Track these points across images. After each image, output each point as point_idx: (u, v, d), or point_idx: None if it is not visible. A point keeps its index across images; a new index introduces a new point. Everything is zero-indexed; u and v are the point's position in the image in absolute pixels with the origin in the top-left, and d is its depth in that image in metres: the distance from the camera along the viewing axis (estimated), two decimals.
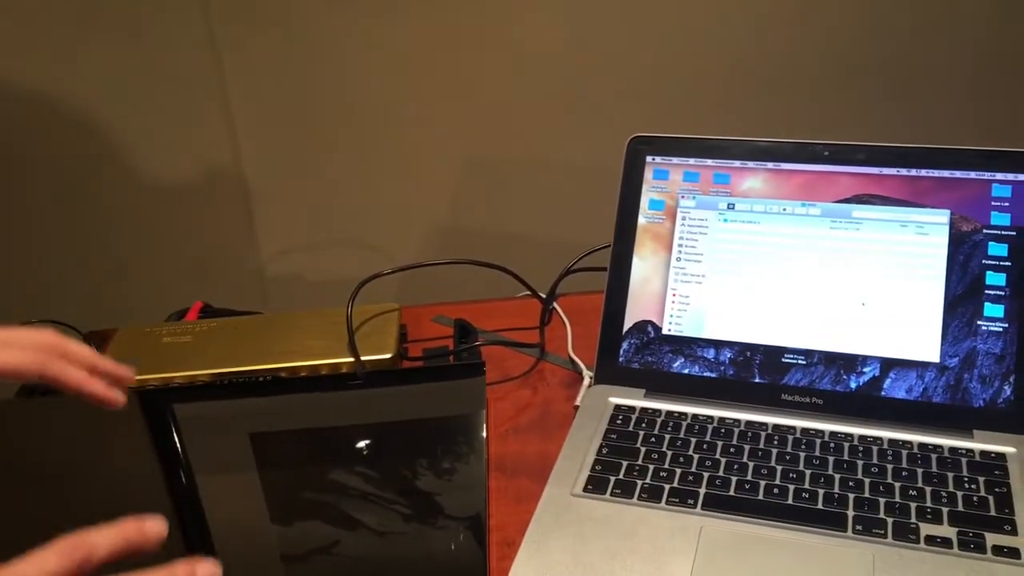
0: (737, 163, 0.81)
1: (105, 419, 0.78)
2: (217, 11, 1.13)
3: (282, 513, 0.68)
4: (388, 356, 0.83)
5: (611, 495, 0.68)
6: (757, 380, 0.77)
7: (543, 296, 0.92)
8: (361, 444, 0.74)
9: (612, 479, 0.70)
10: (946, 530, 0.63)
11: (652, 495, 0.68)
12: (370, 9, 1.14)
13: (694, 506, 0.67)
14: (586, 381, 0.83)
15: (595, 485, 0.69)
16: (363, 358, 0.83)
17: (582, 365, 0.85)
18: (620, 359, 0.80)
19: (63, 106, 1.17)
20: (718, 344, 0.79)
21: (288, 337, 0.86)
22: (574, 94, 1.20)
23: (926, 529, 0.63)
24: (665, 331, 0.80)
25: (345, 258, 1.33)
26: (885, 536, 0.63)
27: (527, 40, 1.16)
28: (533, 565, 0.63)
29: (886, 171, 0.77)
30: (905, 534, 0.63)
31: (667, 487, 0.69)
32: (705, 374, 0.78)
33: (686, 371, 0.79)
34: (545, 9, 1.14)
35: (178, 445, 0.77)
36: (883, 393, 0.74)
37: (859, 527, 0.64)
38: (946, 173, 0.76)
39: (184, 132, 1.20)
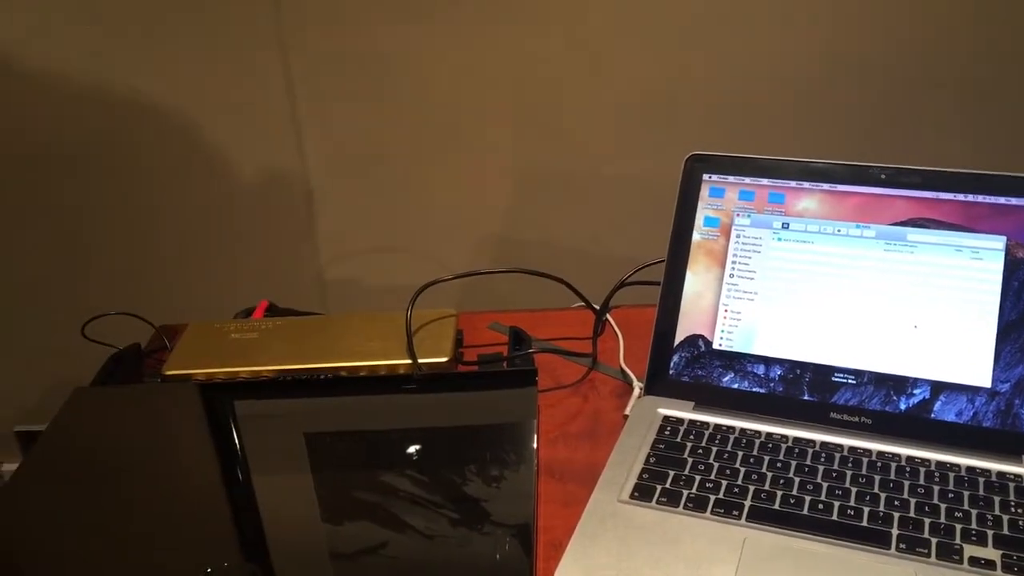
0: (793, 183, 0.82)
1: (172, 410, 0.82)
2: (288, 16, 1.17)
3: (333, 512, 0.71)
4: (444, 360, 0.86)
5: (657, 503, 0.70)
6: (806, 398, 0.78)
7: (596, 307, 0.94)
8: (413, 447, 0.77)
9: (658, 487, 0.71)
10: (990, 552, 0.63)
11: (697, 505, 0.69)
12: (436, 20, 1.17)
13: (738, 517, 0.68)
14: (636, 391, 0.84)
15: (641, 492, 0.71)
16: (420, 360, 0.85)
17: (633, 376, 0.87)
18: (670, 372, 0.82)
19: (140, 108, 1.21)
20: (768, 361, 0.80)
21: (348, 337, 0.90)
22: (635, 110, 1.22)
23: (970, 550, 0.64)
24: (716, 346, 0.81)
25: (403, 264, 1.36)
26: (928, 555, 0.64)
27: (590, 56, 1.18)
28: (578, 567, 0.65)
29: (942, 196, 0.78)
30: (948, 554, 0.63)
31: (712, 497, 0.70)
32: (754, 389, 0.80)
33: (735, 386, 0.80)
34: (609, 26, 1.16)
35: (236, 439, 0.80)
36: (932, 416, 0.75)
37: (903, 545, 0.65)
38: (1002, 200, 0.76)
39: (253, 138, 1.24)
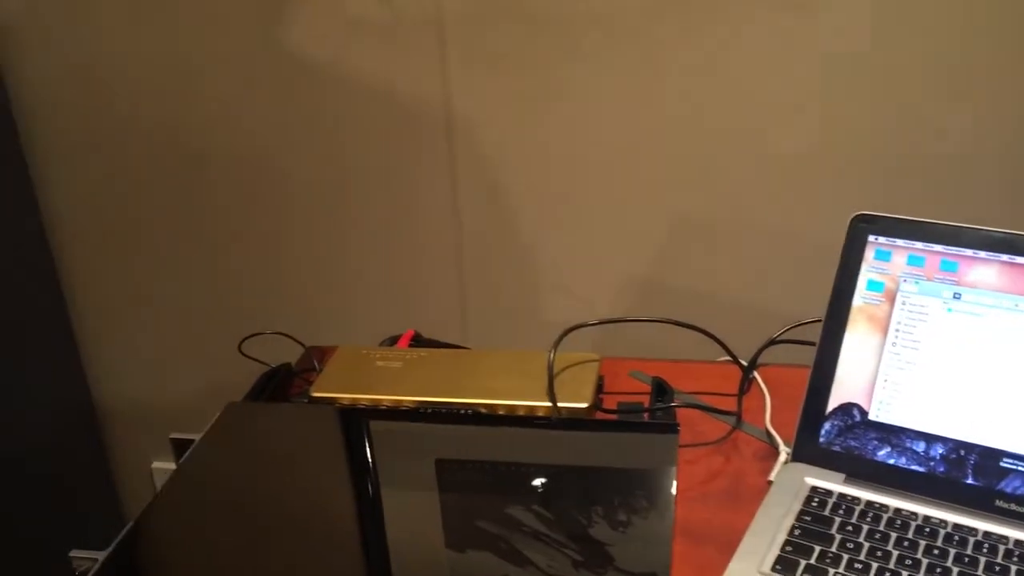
0: (968, 252, 0.77)
1: (315, 430, 0.84)
2: (453, 50, 1.19)
3: (457, 539, 0.71)
4: (584, 405, 0.85)
5: None
6: (969, 481, 0.73)
7: (744, 363, 0.91)
8: (542, 485, 0.76)
9: (803, 562, 0.68)
10: None
11: None
12: (600, 61, 1.17)
13: None
14: (782, 456, 0.81)
15: (784, 566, 0.68)
16: (560, 404, 0.85)
17: (779, 439, 0.84)
18: (820, 439, 0.78)
19: (297, 132, 1.26)
20: (929, 438, 0.75)
21: (490, 374, 0.90)
22: (796, 164, 1.18)
23: None
24: (872, 416, 0.77)
25: (547, 303, 1.36)
26: None
27: (755, 104, 1.16)
28: None
29: None
30: None
31: None
32: (912, 467, 0.75)
33: (891, 461, 0.76)
34: (777, 73, 1.14)
35: (370, 461, 0.81)
36: None
37: None
38: None
39: (408, 168, 1.27)
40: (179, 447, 1.35)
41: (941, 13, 1.08)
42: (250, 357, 0.95)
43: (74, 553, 1.42)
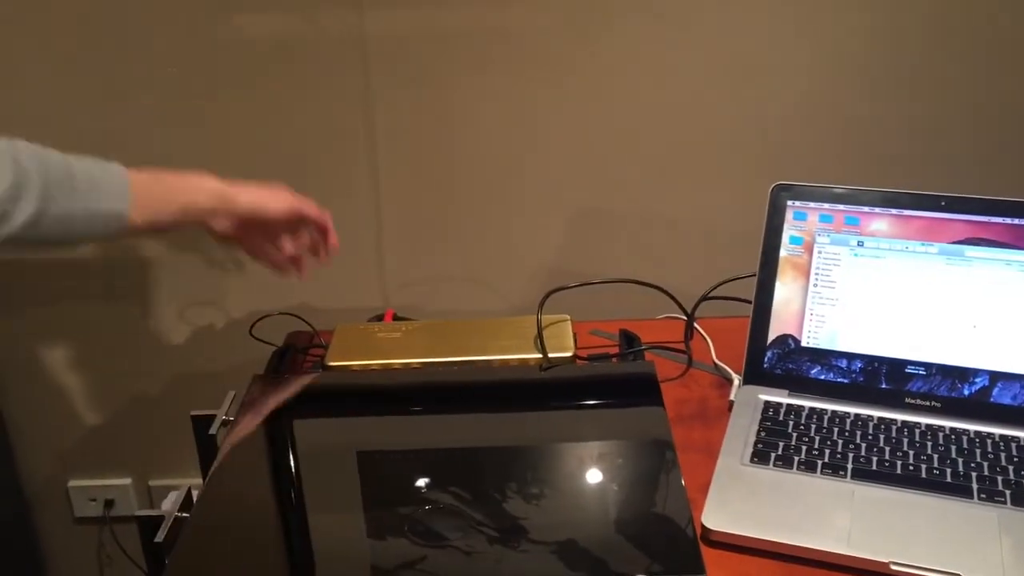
0: (865, 208, 0.97)
1: (341, 393, 0.95)
2: (375, 71, 1.29)
3: (507, 476, 0.82)
4: (569, 354, 1.00)
5: (774, 465, 0.84)
6: (883, 386, 0.93)
7: (688, 313, 1.09)
8: (567, 423, 0.90)
9: (773, 454, 0.85)
10: None
11: (808, 467, 0.84)
12: (507, 73, 1.29)
13: (844, 476, 0.82)
14: (736, 382, 0.99)
15: (760, 457, 0.85)
16: (549, 355, 0.99)
17: (730, 370, 1.02)
18: (765, 365, 0.97)
19: (254, 148, 1.33)
20: (850, 356, 0.95)
21: (480, 337, 1.03)
22: (691, 153, 1.34)
23: None
24: (804, 343, 0.96)
25: (461, 293, 1.47)
26: (1005, 503, 0.78)
27: (646, 105, 1.31)
28: (720, 511, 0.78)
29: (994, 220, 0.94)
30: (1022, 501, 0.78)
31: (819, 461, 0.84)
32: (839, 380, 0.94)
33: (822, 377, 0.95)
34: (664, 76, 1.29)
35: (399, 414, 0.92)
36: (992, 400, 0.90)
37: (983, 496, 0.79)
38: None
39: (330, 177, 1.34)
40: (200, 423, 1.38)
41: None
42: (260, 339, 1.04)
43: None
